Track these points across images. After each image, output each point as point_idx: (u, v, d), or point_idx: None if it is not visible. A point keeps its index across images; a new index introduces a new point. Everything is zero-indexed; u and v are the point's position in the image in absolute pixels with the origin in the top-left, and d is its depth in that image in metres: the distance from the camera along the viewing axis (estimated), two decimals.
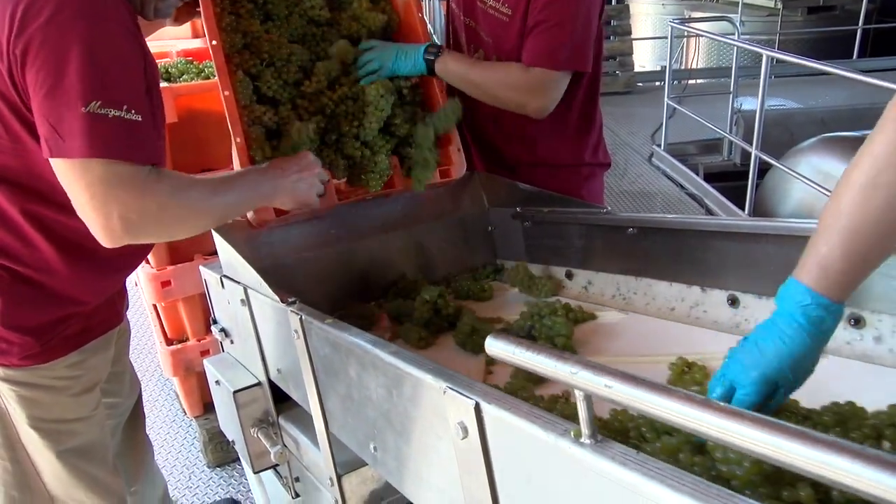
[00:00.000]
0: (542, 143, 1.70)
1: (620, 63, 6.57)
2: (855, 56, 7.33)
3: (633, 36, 6.80)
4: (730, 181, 4.63)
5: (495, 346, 0.69)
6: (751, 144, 3.73)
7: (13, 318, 1.12)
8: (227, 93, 1.41)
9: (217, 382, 1.52)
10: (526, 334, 1.26)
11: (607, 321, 1.37)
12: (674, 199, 4.22)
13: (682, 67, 10.52)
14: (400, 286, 1.57)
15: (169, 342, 2.21)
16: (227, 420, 1.54)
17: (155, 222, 1.00)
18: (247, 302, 1.34)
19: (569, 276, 1.56)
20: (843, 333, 1.04)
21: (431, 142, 1.56)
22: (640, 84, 6.83)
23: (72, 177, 0.96)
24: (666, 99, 4.68)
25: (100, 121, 0.94)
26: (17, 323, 1.13)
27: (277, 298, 1.15)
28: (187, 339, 2.19)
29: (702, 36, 5.55)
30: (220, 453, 2.27)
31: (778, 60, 8.11)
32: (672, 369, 1.06)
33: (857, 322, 1.03)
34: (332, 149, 1.49)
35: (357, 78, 1.55)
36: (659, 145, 4.80)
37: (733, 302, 1.21)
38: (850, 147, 3.45)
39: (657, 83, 7.07)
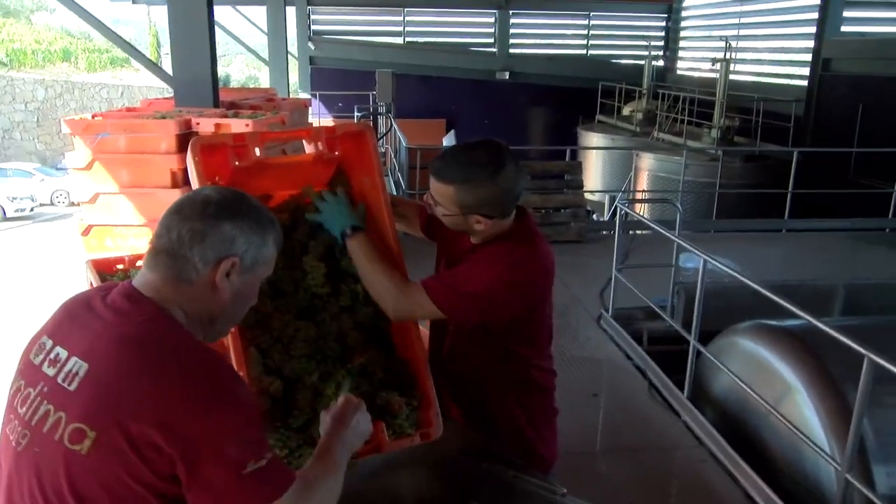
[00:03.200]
0: (505, 402, 1.96)
1: (573, 214, 7.04)
2: (786, 216, 7.98)
3: (584, 189, 7.32)
4: (674, 344, 4.99)
5: None
6: (691, 320, 4.07)
7: None
8: (241, 373, 1.64)
9: None
10: None
11: None
12: (620, 368, 4.53)
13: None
14: None
15: None
16: None
17: None
18: None
19: None
20: None
21: None
22: (592, 233, 7.30)
23: None
24: (613, 270, 5.06)
25: (256, 476, 1.12)
26: None
27: None
28: None
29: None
30: None
31: (717, 216, 8.79)
32: None
33: None
34: None
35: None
36: (607, 309, 5.16)
37: None
38: (779, 338, 3.83)
39: (604, 232, 7.59)
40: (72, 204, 19.16)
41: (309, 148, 1.86)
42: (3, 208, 19.37)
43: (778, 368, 3.64)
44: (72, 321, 1.23)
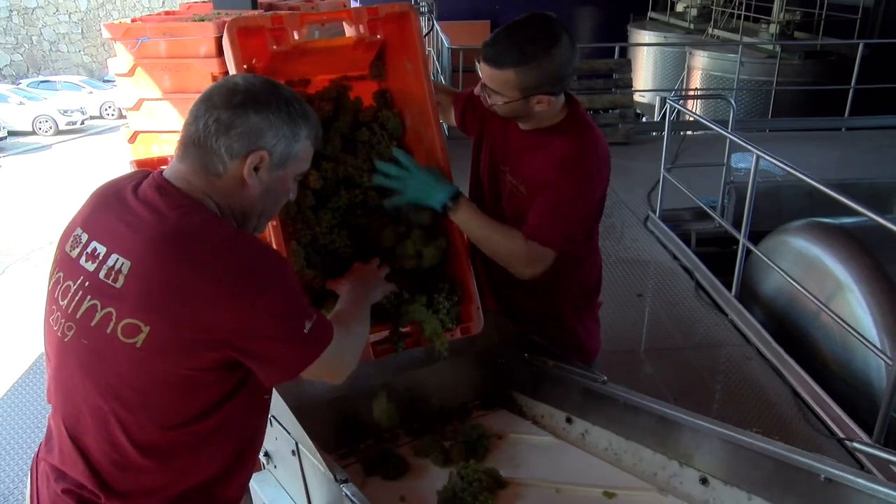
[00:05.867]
0: (549, 293, 1.96)
1: (621, 115, 6.83)
2: (847, 114, 7.60)
3: (633, 88, 7.06)
4: (722, 246, 4.90)
5: None
6: (741, 217, 3.96)
7: None
8: None
9: None
10: None
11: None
12: (666, 269, 4.48)
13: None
14: None
15: None
16: None
17: (353, 361, 1.37)
18: (297, 454, 1.58)
19: (569, 420, 1.81)
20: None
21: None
22: (640, 135, 7.09)
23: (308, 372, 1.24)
24: (662, 170, 4.93)
25: (313, 331, 1.21)
26: None
27: (332, 475, 1.39)
28: None
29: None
30: None
31: (773, 115, 8.43)
32: None
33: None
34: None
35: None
36: (654, 210, 5.06)
37: (704, 482, 1.46)
38: (833, 236, 3.72)
39: (653, 134, 7.35)
40: (121, 116, 19.38)
41: (350, 31, 1.80)
42: (55, 121, 19.76)
43: (830, 266, 3.56)
44: (105, 214, 1.22)
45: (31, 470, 1.33)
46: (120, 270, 1.14)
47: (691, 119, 7.39)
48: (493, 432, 1.81)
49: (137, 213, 1.17)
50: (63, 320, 1.19)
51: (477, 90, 1.77)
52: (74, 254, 1.21)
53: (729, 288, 4.03)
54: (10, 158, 16.98)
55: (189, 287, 1.11)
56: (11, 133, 18.71)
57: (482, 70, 1.71)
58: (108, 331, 1.13)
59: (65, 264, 1.22)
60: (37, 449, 1.32)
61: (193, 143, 1.20)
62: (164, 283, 1.12)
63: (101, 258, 1.17)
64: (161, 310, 1.12)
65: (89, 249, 1.19)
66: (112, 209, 1.21)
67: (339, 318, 1.41)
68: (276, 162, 1.23)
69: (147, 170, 1.29)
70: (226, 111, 1.18)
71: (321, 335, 1.24)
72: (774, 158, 3.58)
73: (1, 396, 3.51)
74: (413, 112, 1.89)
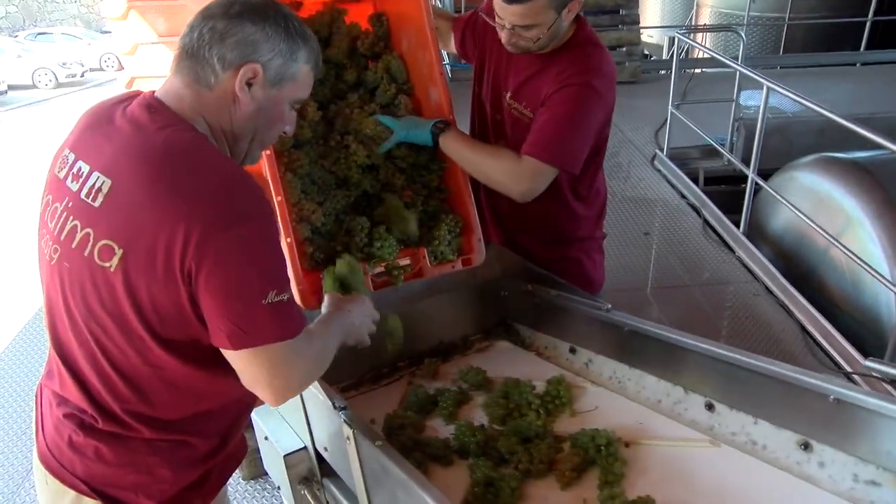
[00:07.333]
0: (553, 223, 1.91)
1: (628, 52, 6.66)
2: (863, 48, 7.39)
3: (640, 25, 6.87)
4: (730, 185, 4.83)
5: None
6: (750, 155, 3.88)
7: None
8: (279, 198, 1.61)
9: (266, 438, 1.76)
10: None
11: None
12: (673, 207, 4.42)
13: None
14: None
15: None
16: (275, 471, 1.78)
17: (301, 382, 1.20)
18: None
19: (572, 350, 1.78)
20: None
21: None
22: (646, 73, 6.93)
23: (251, 361, 1.10)
24: (670, 107, 4.82)
25: (277, 308, 1.07)
26: None
27: (331, 403, 1.37)
28: None
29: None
30: (255, 468, 2.53)
31: (785, 51, 8.19)
32: None
33: (806, 447, 1.26)
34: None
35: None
36: (661, 148, 4.97)
37: (710, 407, 1.44)
38: (844, 170, 3.64)
39: (662, 72, 7.19)
40: (121, 68, 19.11)
41: None
42: (54, 74, 19.47)
43: (840, 201, 3.49)
44: (93, 133, 1.18)
45: (36, 396, 1.32)
46: (100, 189, 1.09)
47: (700, 56, 7.22)
48: (617, 436, 1.42)
49: (123, 131, 1.13)
50: (51, 243, 1.16)
51: (505, 39, 1.70)
52: (62, 175, 1.17)
53: (737, 225, 3.98)
54: (10, 112, 16.82)
55: (165, 207, 1.04)
56: (11, 87, 18.48)
57: (509, 14, 1.63)
58: (86, 253, 1.09)
59: (53, 186, 1.19)
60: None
61: (187, 53, 1.15)
62: (140, 202, 1.06)
63: (83, 177, 1.12)
64: (136, 231, 1.06)
65: (75, 169, 1.14)
66: (100, 128, 1.17)
67: (311, 328, 1.23)
68: (270, 79, 1.17)
69: (139, 90, 1.23)
70: (222, 20, 1.13)
71: (279, 322, 1.09)
72: (784, 89, 3.48)
73: (23, 327, 3.57)
74: (410, 34, 1.82)
